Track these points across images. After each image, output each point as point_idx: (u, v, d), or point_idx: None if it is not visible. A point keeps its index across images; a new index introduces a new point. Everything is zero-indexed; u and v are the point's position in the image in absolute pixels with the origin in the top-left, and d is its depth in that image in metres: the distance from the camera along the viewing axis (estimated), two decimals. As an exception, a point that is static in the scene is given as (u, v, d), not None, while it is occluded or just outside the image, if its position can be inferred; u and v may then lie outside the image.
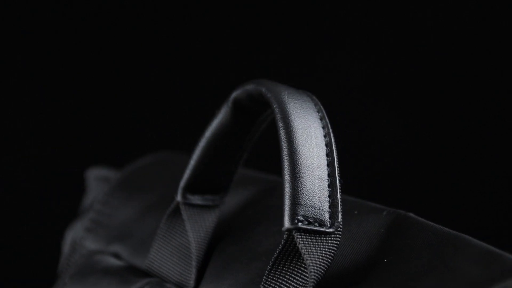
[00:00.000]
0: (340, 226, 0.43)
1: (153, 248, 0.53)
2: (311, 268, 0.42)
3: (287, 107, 0.45)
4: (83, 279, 0.55)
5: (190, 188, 0.51)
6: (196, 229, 0.50)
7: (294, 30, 1.05)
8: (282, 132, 0.44)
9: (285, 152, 0.44)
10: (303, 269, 0.43)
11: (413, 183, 1.04)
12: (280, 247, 0.43)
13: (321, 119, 0.45)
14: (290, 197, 0.43)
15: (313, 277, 0.42)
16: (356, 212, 0.46)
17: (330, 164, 0.44)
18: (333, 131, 0.45)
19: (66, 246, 0.63)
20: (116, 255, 0.57)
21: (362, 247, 0.44)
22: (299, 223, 0.43)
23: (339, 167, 0.45)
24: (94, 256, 0.57)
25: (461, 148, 1.03)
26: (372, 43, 1.04)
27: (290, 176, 0.43)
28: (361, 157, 1.05)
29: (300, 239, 0.42)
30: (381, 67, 1.05)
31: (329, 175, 0.44)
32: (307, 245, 0.42)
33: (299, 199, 0.43)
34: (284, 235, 0.43)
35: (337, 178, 0.44)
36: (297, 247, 0.43)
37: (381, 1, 1.03)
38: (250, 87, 0.47)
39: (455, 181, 1.04)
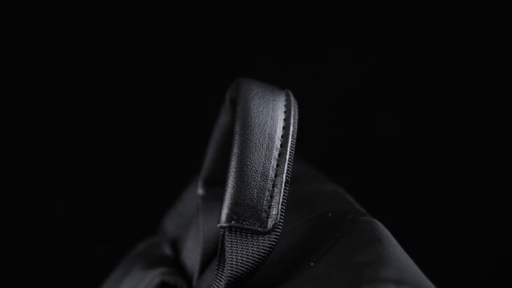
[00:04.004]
0: (278, 227, 0.43)
1: (186, 239, 0.54)
2: (228, 266, 0.42)
3: (247, 104, 0.45)
4: (129, 262, 0.57)
5: (209, 182, 0.52)
6: (208, 222, 0.51)
7: (297, 30, 1.05)
8: (236, 129, 0.44)
9: (234, 149, 0.44)
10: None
11: (414, 183, 1.04)
12: (219, 245, 0.44)
13: (285, 120, 0.45)
14: (229, 194, 0.43)
15: (228, 275, 0.42)
16: (329, 214, 0.46)
17: (279, 165, 0.44)
18: (295, 133, 0.45)
19: (159, 233, 0.66)
20: (174, 244, 0.59)
21: (312, 250, 0.43)
22: (232, 221, 0.43)
23: (290, 168, 0.44)
24: (152, 243, 0.60)
25: (462, 148, 1.03)
26: (373, 42, 1.04)
27: (232, 174, 0.43)
28: (362, 157, 1.05)
29: (229, 237, 0.43)
30: (382, 67, 1.05)
31: (276, 176, 0.44)
32: (234, 243, 0.43)
33: (237, 197, 0.43)
34: (220, 233, 0.43)
35: (284, 179, 0.44)
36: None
37: (384, 2, 1.03)
38: (234, 85, 0.47)
39: (456, 181, 1.04)
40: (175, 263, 0.54)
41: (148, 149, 1.06)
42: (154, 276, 0.50)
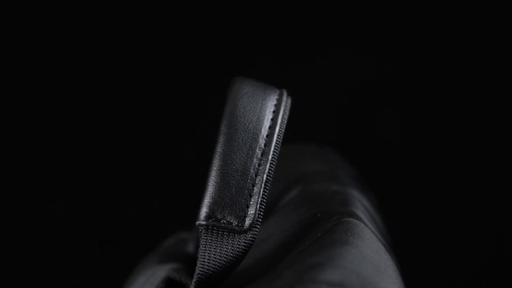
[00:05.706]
0: (255, 226, 0.43)
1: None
2: (199, 264, 0.42)
3: (235, 103, 0.45)
4: (151, 253, 0.58)
5: None
6: None
7: (297, 30, 1.05)
8: (221, 128, 0.44)
9: (217, 148, 0.44)
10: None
11: (414, 183, 1.04)
12: (197, 243, 0.44)
13: (272, 119, 0.45)
14: (208, 193, 0.43)
15: (199, 272, 0.42)
16: (319, 215, 0.46)
17: (261, 164, 0.44)
18: (282, 133, 0.44)
19: (194, 229, 0.67)
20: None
21: (294, 250, 0.43)
22: (210, 220, 0.43)
23: (273, 168, 0.44)
24: (180, 238, 0.60)
25: (462, 148, 1.03)
26: (373, 42, 1.04)
27: (213, 172, 0.43)
28: (362, 157, 1.05)
29: (204, 235, 0.43)
30: (382, 67, 1.05)
31: (256, 175, 0.43)
32: (209, 241, 0.42)
33: (216, 195, 0.43)
34: (198, 231, 0.43)
35: (264, 179, 0.43)
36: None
37: (384, 2, 1.03)
38: (231, 84, 0.47)
39: (456, 181, 1.04)
40: (191, 260, 0.54)
41: (148, 149, 1.06)
42: (163, 271, 0.50)
